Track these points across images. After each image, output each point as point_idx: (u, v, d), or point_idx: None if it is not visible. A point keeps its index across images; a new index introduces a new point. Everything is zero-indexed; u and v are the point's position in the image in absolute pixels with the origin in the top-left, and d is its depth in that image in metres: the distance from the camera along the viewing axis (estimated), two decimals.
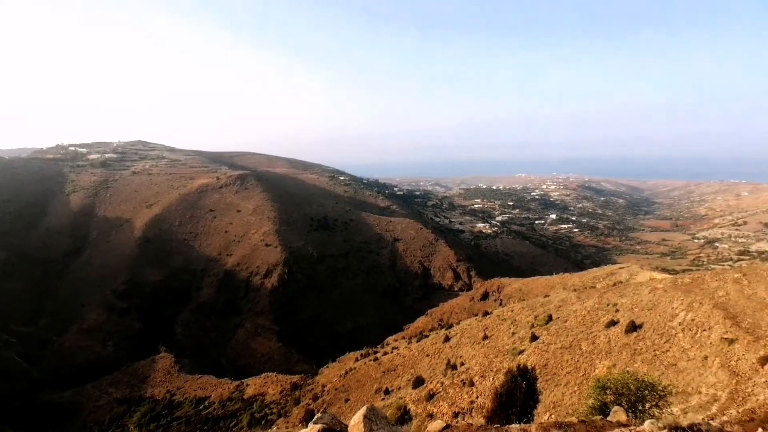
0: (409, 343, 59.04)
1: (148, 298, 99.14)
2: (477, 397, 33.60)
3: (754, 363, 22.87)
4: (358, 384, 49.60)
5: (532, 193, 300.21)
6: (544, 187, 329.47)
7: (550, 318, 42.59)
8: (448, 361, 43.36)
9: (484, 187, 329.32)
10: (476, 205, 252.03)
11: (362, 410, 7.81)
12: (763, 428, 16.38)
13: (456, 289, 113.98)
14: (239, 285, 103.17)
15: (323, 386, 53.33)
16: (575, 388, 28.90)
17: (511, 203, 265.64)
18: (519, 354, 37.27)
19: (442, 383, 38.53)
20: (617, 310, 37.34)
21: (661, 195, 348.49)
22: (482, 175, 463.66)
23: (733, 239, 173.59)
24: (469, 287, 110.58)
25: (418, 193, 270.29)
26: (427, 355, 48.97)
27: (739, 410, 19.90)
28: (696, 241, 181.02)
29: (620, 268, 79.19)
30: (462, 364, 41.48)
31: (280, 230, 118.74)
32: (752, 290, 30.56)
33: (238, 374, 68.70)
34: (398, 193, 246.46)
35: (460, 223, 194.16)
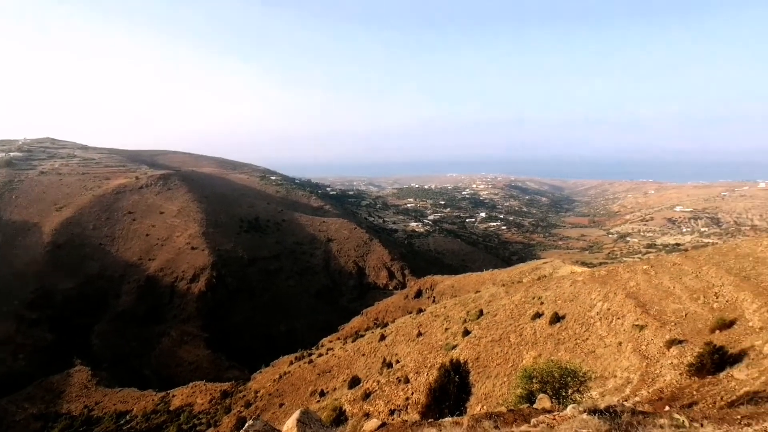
0: (344, 344, 58.67)
1: (60, 307, 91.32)
2: (412, 394, 33.90)
3: (661, 347, 24.77)
4: (292, 388, 48.53)
5: (463, 192, 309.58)
6: (474, 186, 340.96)
7: (481, 313, 43.90)
8: (384, 359, 43.48)
9: (417, 186, 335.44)
10: (409, 205, 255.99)
11: (296, 414, 7.49)
12: (670, 406, 17.67)
13: (391, 287, 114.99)
14: (163, 291, 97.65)
15: (256, 392, 51.71)
16: (505, 379, 29.91)
17: (443, 202, 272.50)
18: (452, 349, 38.06)
19: (378, 382, 38.53)
20: (542, 303, 39.15)
21: (579, 193, 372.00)
22: (415, 174, 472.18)
23: (641, 234, 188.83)
24: (404, 285, 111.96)
25: (351, 192, 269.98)
26: (363, 355, 48.88)
27: (649, 390, 21.46)
28: (610, 236, 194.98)
29: (544, 263, 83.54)
30: (397, 361, 41.74)
31: (207, 232, 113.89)
32: (658, 280, 33.16)
33: (164, 385, 64.97)
34: (331, 193, 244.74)
35: (394, 223, 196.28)
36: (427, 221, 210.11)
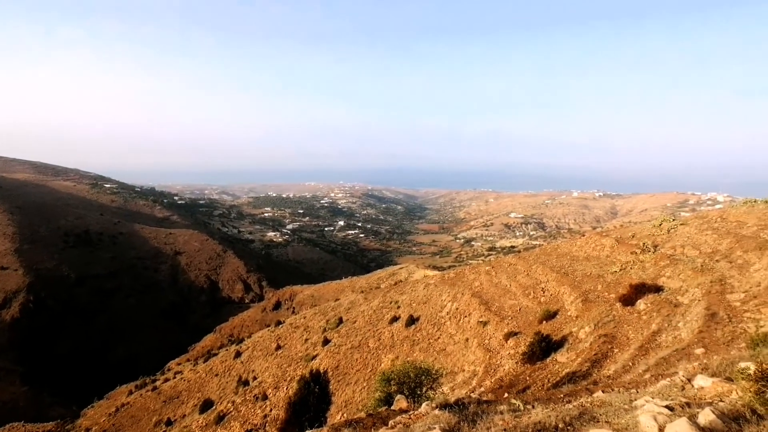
0: (195, 365, 54.17)
1: None
2: (271, 410, 32.51)
3: (501, 339, 27.24)
4: (132, 420, 43.10)
5: (322, 201, 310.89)
6: (332, 195, 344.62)
7: (340, 321, 44.00)
8: (240, 377, 41.11)
9: (274, 195, 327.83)
10: (267, 214, 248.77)
11: None
12: (508, 392, 19.27)
13: (247, 301, 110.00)
14: None
15: (87, 430, 44.86)
16: (364, 384, 30.18)
17: (302, 211, 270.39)
18: (312, 359, 37.44)
19: (233, 402, 36.26)
20: (398, 307, 40.61)
21: (431, 202, 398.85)
22: (272, 183, 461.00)
23: (484, 238, 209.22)
24: (261, 298, 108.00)
25: (202, 202, 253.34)
26: (216, 375, 45.58)
27: (492, 380, 23.39)
28: (458, 240, 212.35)
29: (400, 268, 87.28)
30: (255, 378, 39.76)
31: (21, 249, 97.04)
32: (498, 279, 36.65)
33: None
34: (180, 202, 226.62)
35: (250, 233, 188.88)
36: (285, 231, 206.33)
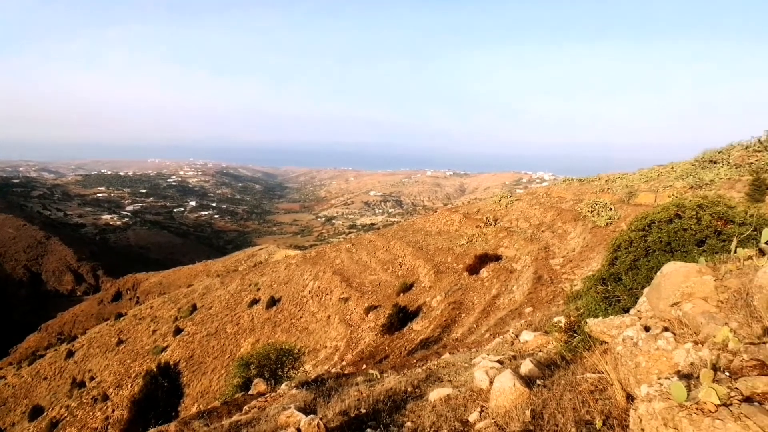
0: (18, 369, 46.86)
1: None
2: (113, 411, 29.67)
3: (362, 314, 28.17)
4: None
5: (169, 180, 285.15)
6: (182, 173, 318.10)
7: (194, 307, 41.46)
8: (74, 378, 36.66)
9: (110, 173, 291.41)
10: (100, 194, 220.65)
11: None
12: (368, 364, 20.03)
13: (80, 293, 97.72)
14: None
15: None
16: (222, 372, 28.95)
17: (144, 191, 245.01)
18: (162, 351, 34.83)
19: (68, 407, 32.39)
20: (258, 289, 39.51)
21: (291, 180, 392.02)
22: (106, 159, 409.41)
23: (345, 216, 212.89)
24: (97, 289, 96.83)
25: (17, 180, 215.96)
26: (45, 378, 39.95)
27: (354, 353, 24.17)
28: (319, 219, 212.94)
29: (260, 249, 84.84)
30: (92, 378, 35.80)
31: None
32: (358, 256, 37.65)
33: None
34: None
35: (80, 216, 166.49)
36: (125, 213, 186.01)
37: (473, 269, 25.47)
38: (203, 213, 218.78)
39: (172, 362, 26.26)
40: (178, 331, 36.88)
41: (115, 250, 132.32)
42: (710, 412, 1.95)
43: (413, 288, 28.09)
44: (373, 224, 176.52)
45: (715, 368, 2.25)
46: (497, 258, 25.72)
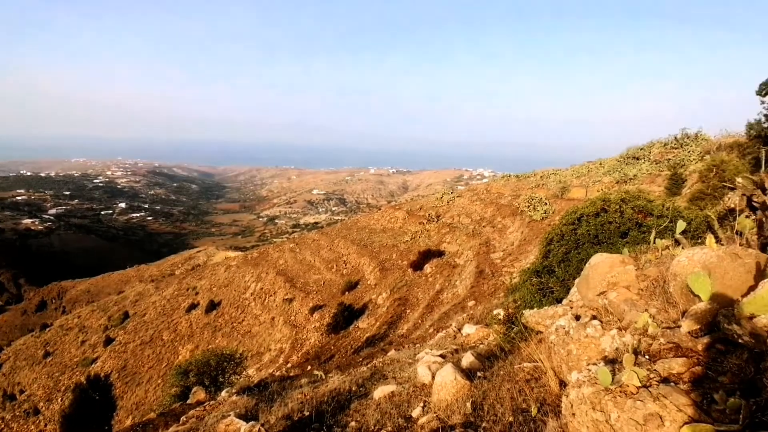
0: None
1: None
2: (46, 425, 28.02)
3: (306, 314, 27.86)
4: None
5: (95, 181, 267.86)
6: (110, 173, 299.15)
7: (126, 315, 39.39)
8: (5, 391, 34.16)
9: (30, 174, 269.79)
10: (19, 197, 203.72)
11: None
12: (312, 365, 19.86)
13: (1, 303, 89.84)
14: None
15: None
16: (159, 381, 27.71)
17: (68, 193, 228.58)
18: (92, 363, 32.87)
19: (3, 418, 30.22)
20: (197, 293, 38.10)
21: (230, 180, 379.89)
22: (25, 159, 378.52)
23: (288, 215, 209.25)
24: (20, 298, 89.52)
25: None
26: None
27: (299, 355, 23.86)
28: (261, 219, 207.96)
29: (198, 251, 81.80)
30: (22, 391, 33.43)
31: None
32: (302, 255, 37.18)
33: None
34: None
35: None
36: (47, 216, 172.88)
37: (417, 265, 25.87)
38: (134, 215, 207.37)
39: (102, 374, 24.83)
40: (108, 341, 34.86)
41: (38, 257, 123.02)
42: (632, 393, 2.08)
43: (358, 286, 28.12)
44: (316, 223, 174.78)
45: (636, 352, 2.41)
46: (440, 254, 26.26)
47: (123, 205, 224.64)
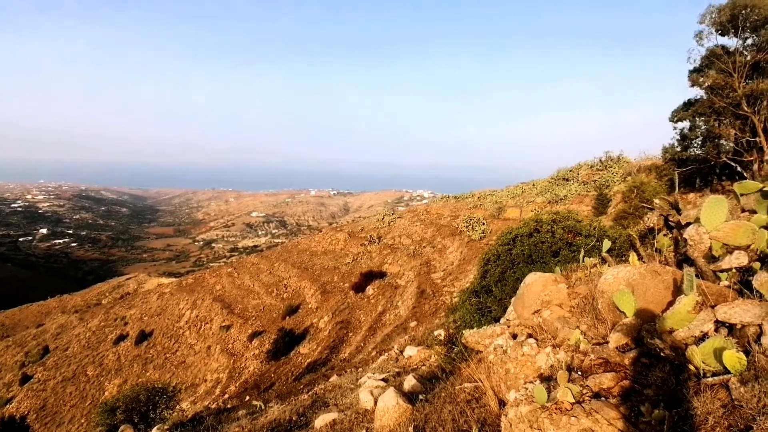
0: None
1: None
2: None
3: (245, 341, 26.85)
4: None
5: (12, 205, 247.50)
6: (30, 197, 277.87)
7: (46, 350, 36.18)
8: None
9: None
10: None
11: None
12: (251, 395, 19.07)
13: None
14: None
15: None
16: (83, 421, 25.54)
17: None
18: (6, 404, 29.75)
19: None
20: (126, 323, 35.80)
21: (163, 202, 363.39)
22: None
23: (225, 239, 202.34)
24: None
25: None
26: None
27: (237, 384, 22.83)
28: (197, 243, 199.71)
29: (128, 278, 77.06)
30: None
31: None
32: (241, 280, 35.97)
33: None
34: None
35: None
36: None
37: (359, 287, 25.73)
38: (57, 241, 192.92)
39: (18, 415, 22.48)
40: (26, 378, 31.79)
41: None
42: (567, 410, 2.14)
43: (299, 310, 27.51)
44: (256, 246, 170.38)
45: (570, 369, 2.48)
46: (382, 275, 26.30)
47: (44, 230, 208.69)
